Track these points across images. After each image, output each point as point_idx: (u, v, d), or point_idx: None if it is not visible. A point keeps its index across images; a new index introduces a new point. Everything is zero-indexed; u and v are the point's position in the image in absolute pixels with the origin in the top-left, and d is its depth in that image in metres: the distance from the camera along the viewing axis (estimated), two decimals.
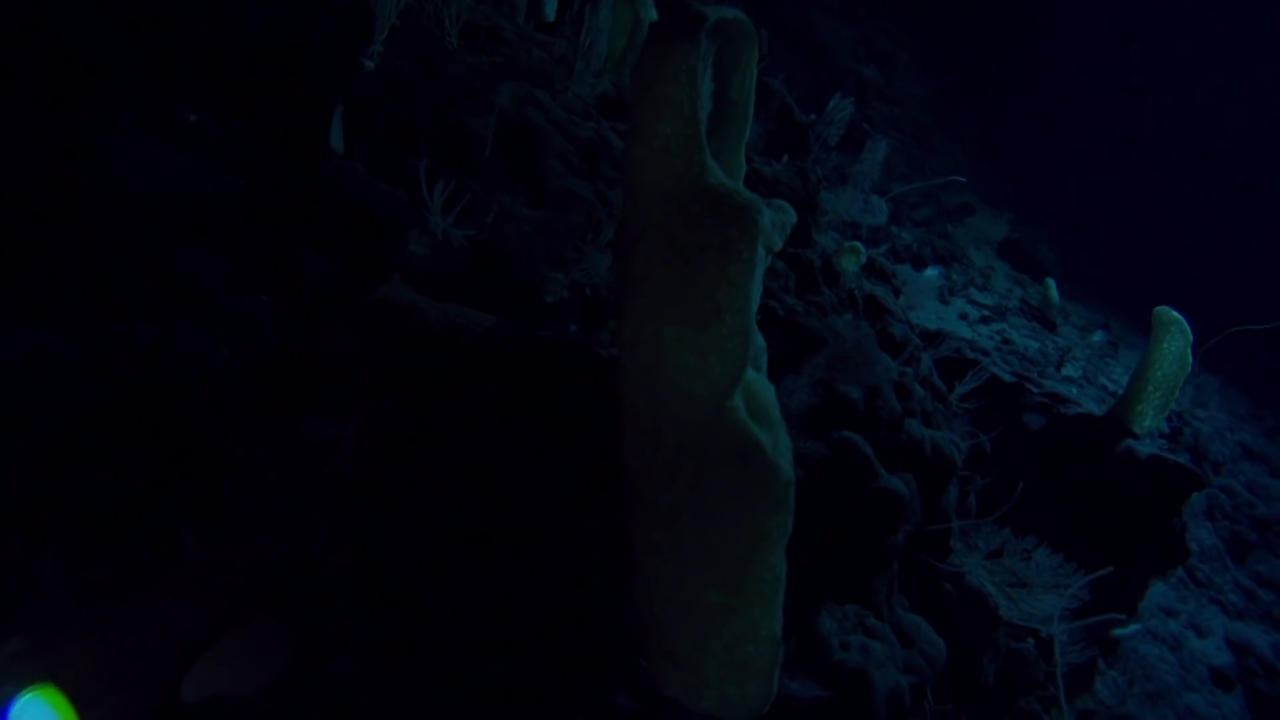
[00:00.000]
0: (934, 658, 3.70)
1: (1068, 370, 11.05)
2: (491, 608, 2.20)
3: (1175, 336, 5.55)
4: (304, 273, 2.45)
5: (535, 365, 2.20)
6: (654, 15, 4.25)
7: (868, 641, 3.34)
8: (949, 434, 4.09)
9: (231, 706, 1.76)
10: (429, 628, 2.06)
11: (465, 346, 2.14)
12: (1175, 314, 5.54)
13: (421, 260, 2.54)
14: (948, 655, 3.83)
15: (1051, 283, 12.86)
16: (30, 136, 2.20)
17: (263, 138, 2.54)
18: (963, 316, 10.96)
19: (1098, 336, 12.57)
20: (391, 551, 1.97)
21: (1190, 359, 5.62)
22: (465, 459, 2.05)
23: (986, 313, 11.49)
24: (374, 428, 1.98)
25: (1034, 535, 4.38)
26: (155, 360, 2.13)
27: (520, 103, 3.34)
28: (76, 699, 1.95)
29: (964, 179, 7.36)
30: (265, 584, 1.86)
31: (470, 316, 2.25)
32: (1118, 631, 5.71)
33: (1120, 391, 6.19)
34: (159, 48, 2.40)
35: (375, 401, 2.01)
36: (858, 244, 3.66)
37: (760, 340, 2.18)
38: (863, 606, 3.49)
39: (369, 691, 1.99)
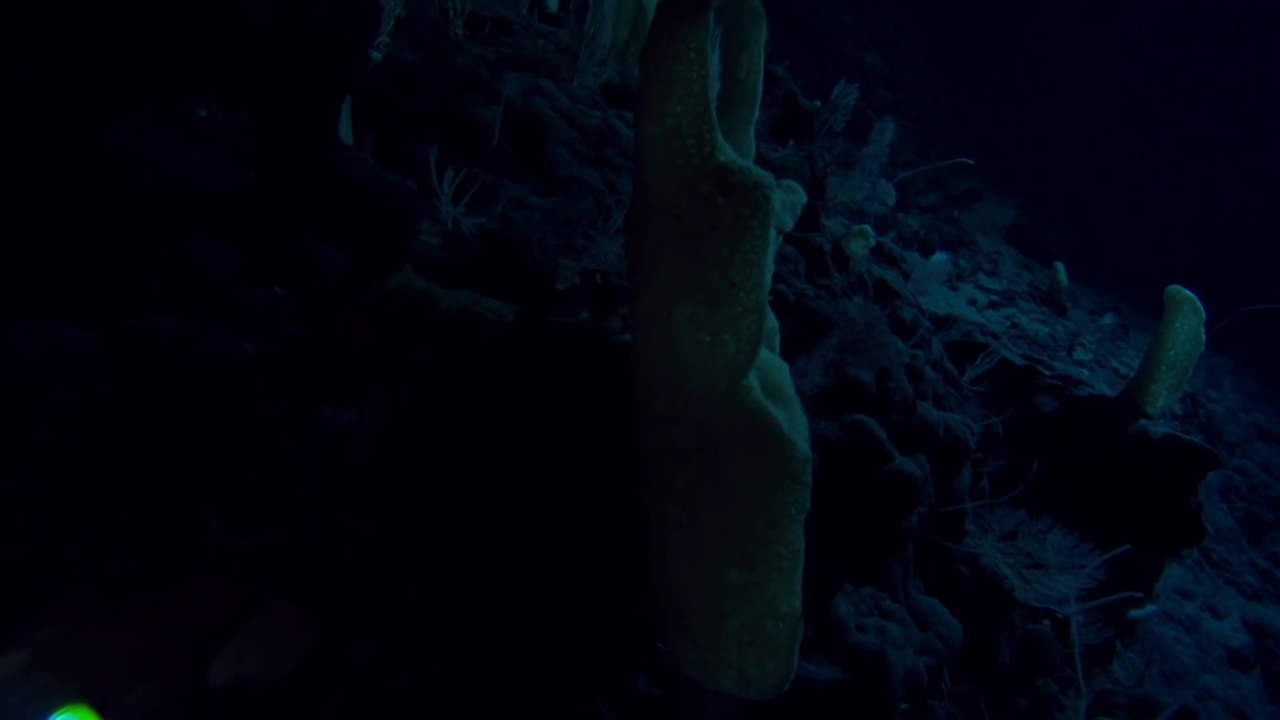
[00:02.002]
0: (950, 640, 3.70)
1: (1079, 354, 10.99)
2: (510, 591, 2.21)
3: (1188, 315, 5.50)
4: (317, 263, 2.46)
5: (549, 351, 2.21)
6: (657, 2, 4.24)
7: (884, 624, 3.34)
8: (961, 416, 4.08)
9: (257, 690, 1.78)
10: (449, 611, 2.08)
11: (479, 333, 2.15)
12: (1188, 293, 5.49)
13: (433, 249, 2.55)
14: (964, 637, 3.83)
15: (1060, 266, 12.77)
16: (46, 133, 2.22)
17: (272, 130, 2.56)
18: (971, 302, 10.91)
19: (1108, 320, 12.48)
20: (411, 536, 1.98)
21: (1204, 338, 5.57)
22: (482, 443, 2.06)
23: (995, 297, 11.44)
24: (391, 413, 1.99)
25: (1048, 517, 4.37)
26: (174, 352, 2.15)
27: (527, 92, 3.35)
28: (107, 686, 1.97)
29: (972, 161, 7.30)
30: (288, 569, 1.88)
31: (483, 303, 2.26)
32: (1134, 613, 5.69)
33: (1132, 374, 6.16)
34: (169, 41, 2.41)
35: (392, 388, 2.02)
36: (867, 227, 3.65)
37: (773, 320, 2.18)
38: (878, 589, 3.49)
39: (391, 673, 2.01)
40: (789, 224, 2.22)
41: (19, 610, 1.97)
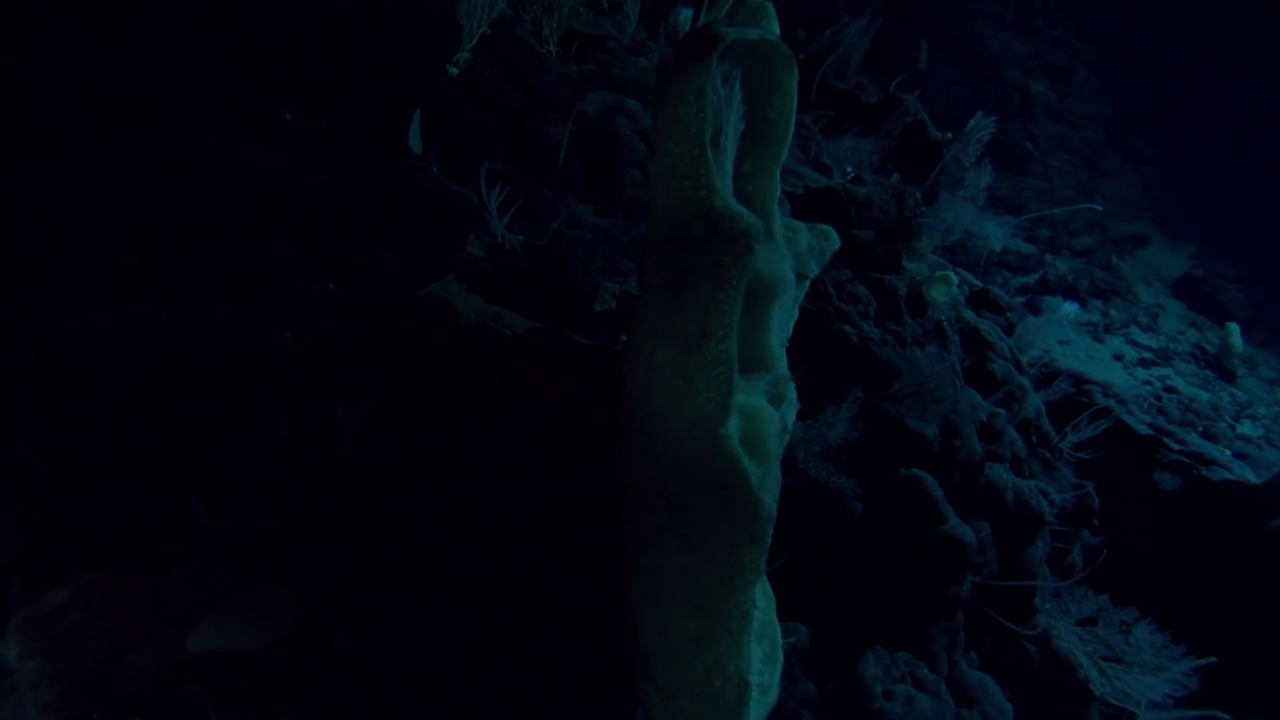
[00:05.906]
0: None
1: (1244, 428, 9.82)
2: (498, 605, 2.25)
3: None
4: (370, 264, 2.62)
5: (558, 371, 2.24)
6: None
7: (915, 694, 3.13)
8: (1040, 483, 3.76)
9: (234, 664, 1.92)
10: (430, 617, 2.15)
11: (492, 348, 2.21)
12: None
13: (477, 261, 2.65)
14: None
15: (1235, 327, 11.45)
16: (145, 129, 2.48)
17: (348, 136, 2.73)
18: (1118, 357, 9.99)
19: None
20: (390, 541, 2.07)
21: None
22: (470, 458, 2.12)
23: (1148, 355, 10.42)
24: (379, 419, 2.09)
25: (1140, 606, 3.94)
26: (226, 336, 2.35)
27: (608, 111, 3.40)
28: (127, 632, 2.19)
29: (1100, 207, 6.69)
30: (272, 557, 2.01)
31: (505, 319, 2.32)
32: None
33: None
34: (263, 48, 2.63)
35: (385, 394, 2.12)
36: (949, 273, 3.43)
37: (783, 369, 2.10)
38: (916, 656, 3.28)
39: (370, 668, 2.10)
40: (814, 270, 2.13)
41: (67, 554, 2.22)
